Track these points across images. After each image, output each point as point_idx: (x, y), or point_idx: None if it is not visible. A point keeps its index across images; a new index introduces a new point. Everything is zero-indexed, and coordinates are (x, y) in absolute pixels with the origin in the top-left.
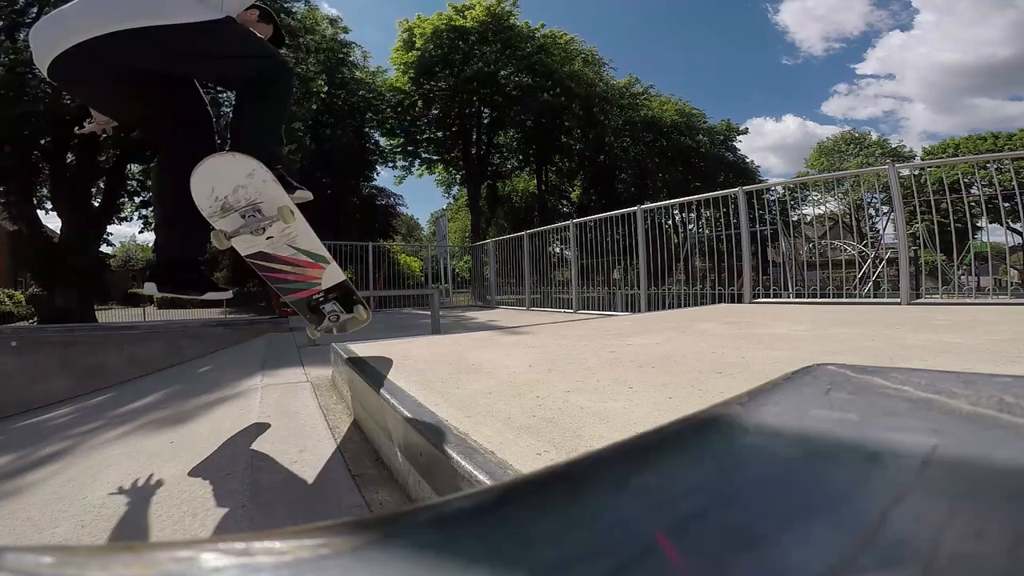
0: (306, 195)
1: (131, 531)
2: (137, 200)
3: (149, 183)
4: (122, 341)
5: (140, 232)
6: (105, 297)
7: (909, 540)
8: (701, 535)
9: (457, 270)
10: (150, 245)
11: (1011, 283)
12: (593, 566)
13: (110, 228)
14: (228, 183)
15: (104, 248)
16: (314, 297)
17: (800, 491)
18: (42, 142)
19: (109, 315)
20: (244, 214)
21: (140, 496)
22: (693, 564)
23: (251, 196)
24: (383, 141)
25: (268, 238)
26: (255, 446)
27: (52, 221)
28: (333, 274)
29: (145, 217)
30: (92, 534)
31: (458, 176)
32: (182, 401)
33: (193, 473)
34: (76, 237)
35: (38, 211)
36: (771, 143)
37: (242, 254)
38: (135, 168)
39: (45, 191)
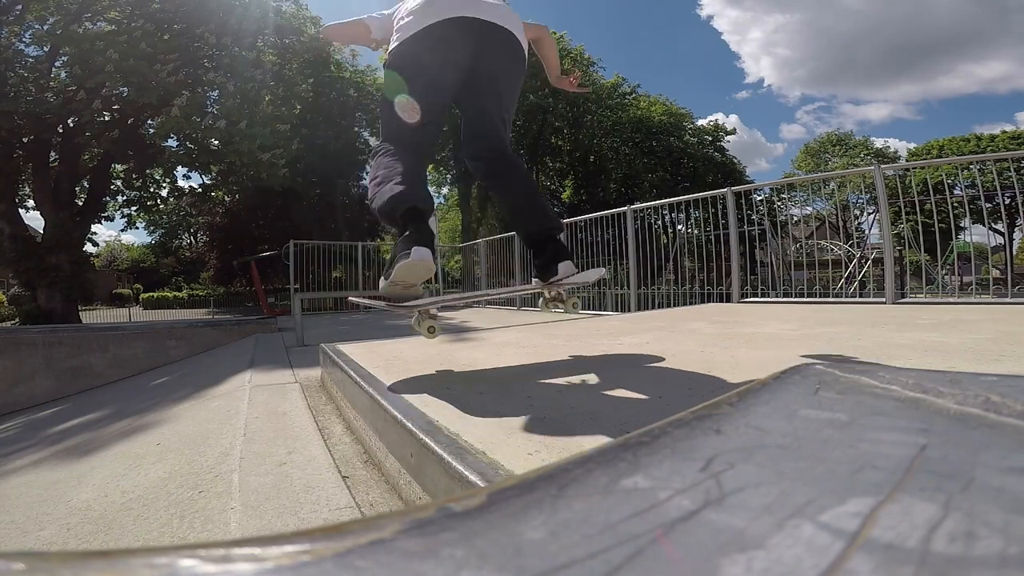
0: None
1: (117, 534)
2: (121, 199)
3: (135, 182)
4: (107, 342)
5: (123, 231)
6: (89, 297)
7: (900, 541)
8: (692, 537)
9: (448, 270)
10: (135, 245)
11: (992, 282)
12: (583, 571)
13: (94, 227)
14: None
15: (88, 248)
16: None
17: (790, 492)
18: (24, 140)
19: (94, 316)
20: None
21: (127, 498)
22: (684, 566)
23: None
24: (373, 141)
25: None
26: (243, 447)
27: (35, 220)
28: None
29: (129, 216)
30: (78, 537)
31: (449, 176)
32: (169, 402)
33: (180, 475)
34: (59, 236)
35: (20, 210)
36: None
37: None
38: (119, 167)
39: (28, 189)
